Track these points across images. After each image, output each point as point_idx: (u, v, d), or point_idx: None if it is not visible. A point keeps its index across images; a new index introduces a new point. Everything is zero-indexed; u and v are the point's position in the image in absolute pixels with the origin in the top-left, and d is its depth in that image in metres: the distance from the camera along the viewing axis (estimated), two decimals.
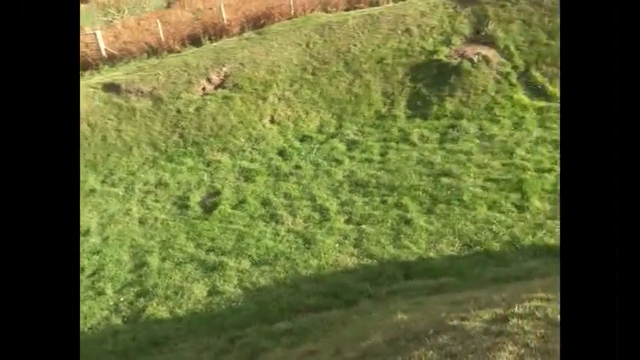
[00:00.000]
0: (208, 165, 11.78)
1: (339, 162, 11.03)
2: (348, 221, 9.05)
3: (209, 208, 10.22)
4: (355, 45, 14.27)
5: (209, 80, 14.22)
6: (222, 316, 7.22)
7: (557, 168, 9.18)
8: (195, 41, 17.01)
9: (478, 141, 10.76)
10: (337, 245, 8.42)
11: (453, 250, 7.82)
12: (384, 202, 9.36)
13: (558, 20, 12.82)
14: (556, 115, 10.97)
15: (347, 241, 8.48)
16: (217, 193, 10.68)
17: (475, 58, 12.84)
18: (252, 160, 11.63)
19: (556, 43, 12.48)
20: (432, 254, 7.80)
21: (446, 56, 13.20)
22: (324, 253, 8.24)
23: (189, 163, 11.93)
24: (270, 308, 7.07)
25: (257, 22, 17.01)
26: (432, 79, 12.85)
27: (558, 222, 7.84)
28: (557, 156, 9.58)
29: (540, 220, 8.06)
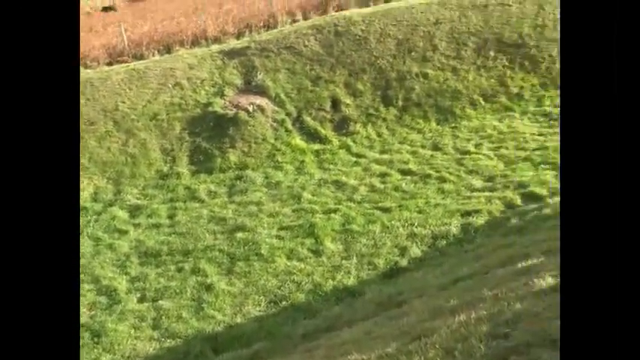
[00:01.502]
0: None
1: (122, 232, 9.96)
2: (142, 299, 8.12)
3: None
4: (124, 102, 13.31)
5: None
6: None
7: (343, 208, 9.70)
8: None
9: (266, 189, 10.83)
10: (133, 331, 7.43)
11: (260, 310, 7.54)
12: (179, 270, 8.67)
13: (318, 68, 13.89)
14: (332, 157, 11.71)
15: (144, 324, 7.56)
16: None
17: (250, 108, 13.06)
18: None
19: (320, 89, 13.44)
20: (239, 319, 7.40)
21: (221, 107, 13.15)
22: (118, 344, 7.19)
23: None
24: None
25: None
26: (211, 132, 12.64)
27: (353, 261, 8.21)
28: (340, 196, 10.16)
29: (337, 262, 8.33)
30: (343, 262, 8.29)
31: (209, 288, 8.12)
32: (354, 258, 8.32)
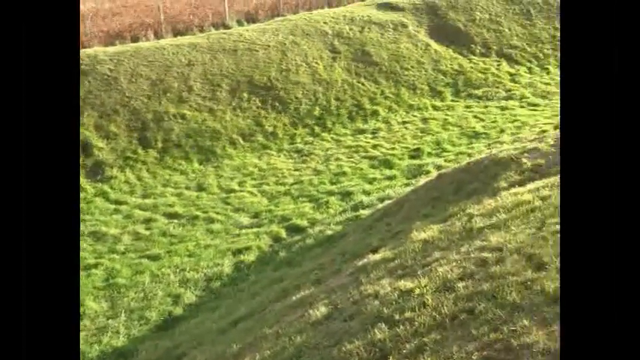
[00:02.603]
0: None
1: None
2: None
3: None
4: None
5: None
6: None
7: (104, 261, 8.86)
8: None
9: None
10: None
11: None
12: None
13: None
14: (87, 206, 10.66)
15: None
16: None
17: None
18: None
19: None
20: None
21: None
22: None
23: None
24: None
25: None
26: None
27: (121, 319, 7.51)
28: (101, 248, 9.27)
29: (102, 323, 7.51)
30: (110, 321, 7.52)
31: None
32: (122, 315, 7.63)
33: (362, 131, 13.81)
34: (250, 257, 8.78)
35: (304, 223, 9.57)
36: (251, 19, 19.12)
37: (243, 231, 9.67)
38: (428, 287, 3.89)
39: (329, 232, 8.83)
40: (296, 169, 12.12)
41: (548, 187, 5.35)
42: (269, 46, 15.93)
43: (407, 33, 17.60)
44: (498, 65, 17.06)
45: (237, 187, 11.42)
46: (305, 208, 10.17)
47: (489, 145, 11.91)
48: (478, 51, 17.61)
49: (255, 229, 9.67)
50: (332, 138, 13.56)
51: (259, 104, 14.36)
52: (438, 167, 10.95)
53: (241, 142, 13.35)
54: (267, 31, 16.59)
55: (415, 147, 12.47)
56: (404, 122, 14.15)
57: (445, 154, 11.94)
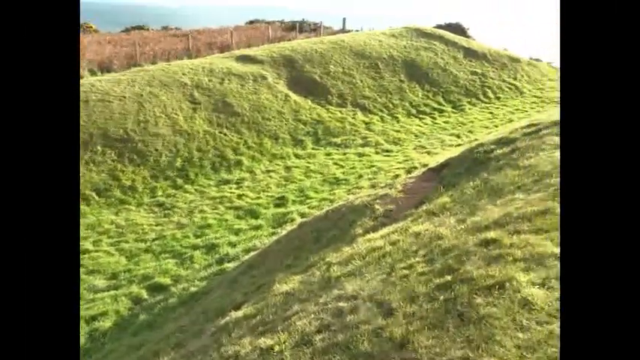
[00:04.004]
0: None
1: None
2: None
3: None
4: None
5: None
6: None
7: None
8: None
9: None
10: None
11: None
12: None
13: None
14: None
15: None
16: None
17: None
18: None
19: None
20: None
21: None
22: None
23: None
24: None
25: None
26: None
27: None
28: None
29: None
30: None
31: None
32: None
33: (226, 182, 13.74)
34: (106, 323, 8.11)
35: (167, 280, 9.13)
36: (105, 68, 18.38)
37: (99, 295, 8.94)
38: (287, 343, 3.90)
39: (193, 289, 8.51)
40: (158, 224, 11.61)
41: (398, 232, 5.73)
42: (125, 97, 15.37)
43: (267, 84, 18.13)
44: (354, 115, 18.20)
45: (91, 247, 10.60)
46: (168, 264, 9.73)
47: (349, 190, 12.51)
48: (335, 101, 18.66)
49: (112, 292, 8.99)
50: (195, 189, 13.29)
51: (115, 157, 13.66)
52: (302, 214, 11.21)
53: (95, 197, 12.52)
54: (122, 82, 16.03)
55: (280, 195, 12.67)
56: (268, 171, 14.37)
57: (309, 200, 12.28)
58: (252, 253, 9.29)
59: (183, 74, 17.26)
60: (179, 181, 13.56)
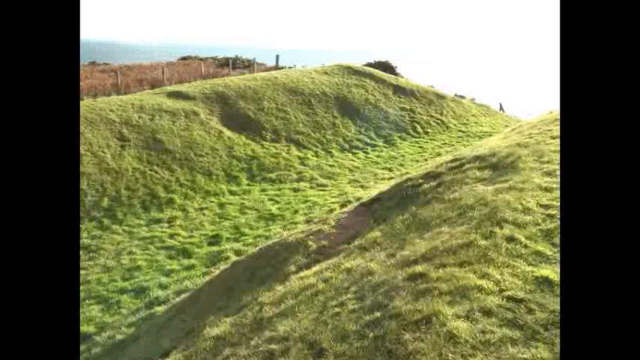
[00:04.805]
0: None
1: None
2: None
3: None
4: None
5: None
6: None
7: None
8: None
9: None
10: None
11: None
12: None
13: None
14: None
15: None
16: None
17: None
18: None
19: None
20: None
21: None
22: None
23: None
24: None
25: None
26: None
27: None
28: None
29: None
30: None
31: None
32: None
33: (157, 221, 13.29)
34: None
35: (91, 329, 8.60)
36: None
37: None
38: None
39: (120, 337, 8.06)
40: (82, 268, 10.99)
41: (330, 269, 5.72)
42: None
43: (199, 121, 17.94)
44: (288, 150, 18.29)
45: None
46: (92, 311, 9.19)
47: (285, 226, 12.43)
48: (269, 137, 18.71)
49: None
50: (124, 230, 12.76)
51: None
52: (237, 252, 10.99)
53: None
54: None
55: (214, 233, 12.39)
56: (201, 208, 14.06)
57: (244, 238, 12.08)
58: (183, 295, 8.97)
59: (111, 110, 16.77)
60: (106, 221, 12.98)
